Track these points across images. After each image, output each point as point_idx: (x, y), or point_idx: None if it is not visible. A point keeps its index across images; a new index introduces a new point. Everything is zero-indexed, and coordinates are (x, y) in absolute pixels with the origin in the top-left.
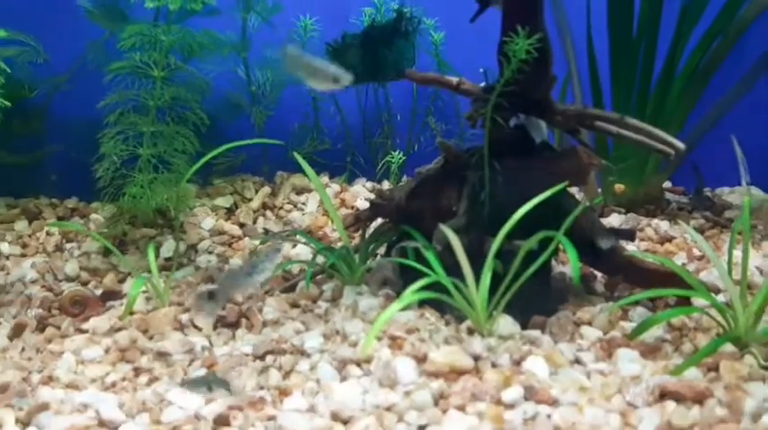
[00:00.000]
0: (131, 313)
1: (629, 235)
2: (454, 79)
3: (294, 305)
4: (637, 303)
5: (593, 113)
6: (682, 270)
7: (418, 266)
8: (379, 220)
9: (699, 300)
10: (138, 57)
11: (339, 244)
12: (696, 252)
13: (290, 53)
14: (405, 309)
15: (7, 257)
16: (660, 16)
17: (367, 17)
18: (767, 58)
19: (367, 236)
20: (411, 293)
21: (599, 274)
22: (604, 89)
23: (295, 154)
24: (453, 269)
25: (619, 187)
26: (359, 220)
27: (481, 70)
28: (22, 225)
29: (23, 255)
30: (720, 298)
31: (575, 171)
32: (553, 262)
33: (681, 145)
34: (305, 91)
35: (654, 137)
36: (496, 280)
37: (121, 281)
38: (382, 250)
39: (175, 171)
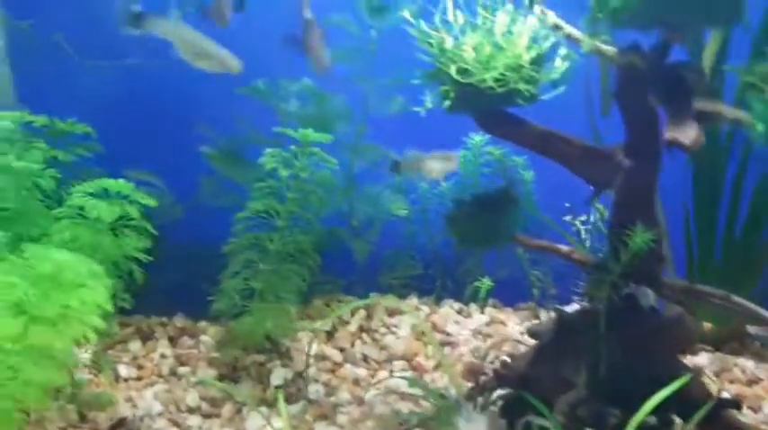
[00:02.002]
0: None
1: (736, 405)
2: (565, 248)
3: None
4: None
5: (700, 290)
6: None
7: None
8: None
9: None
10: (261, 204)
11: (436, 374)
12: None
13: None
14: None
15: (126, 380)
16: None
17: (462, 161)
18: None
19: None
20: None
21: None
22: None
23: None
24: None
25: (706, 325)
26: (484, 389)
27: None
28: (136, 345)
29: (140, 378)
30: None
31: (683, 339)
32: None
33: None
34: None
35: (757, 317)
36: None
37: (238, 411)
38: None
39: (284, 301)
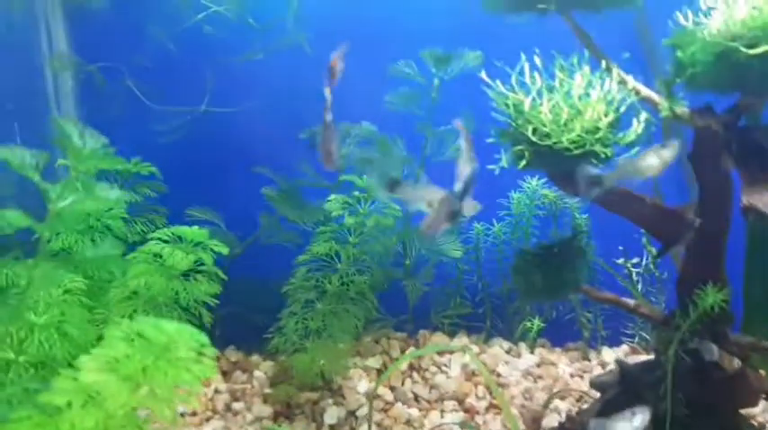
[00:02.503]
0: None
1: None
2: (632, 302)
3: None
4: None
5: (765, 346)
6: None
7: None
8: None
9: None
10: (323, 248)
11: (488, 415)
12: None
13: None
14: None
15: (182, 415)
16: None
17: (516, 203)
18: None
19: None
20: None
21: None
22: None
23: None
24: None
25: (761, 372)
26: None
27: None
28: (197, 404)
29: (194, 414)
30: None
31: (746, 393)
32: None
33: None
34: (449, 261)
35: None
36: None
37: None
38: None
39: (338, 340)
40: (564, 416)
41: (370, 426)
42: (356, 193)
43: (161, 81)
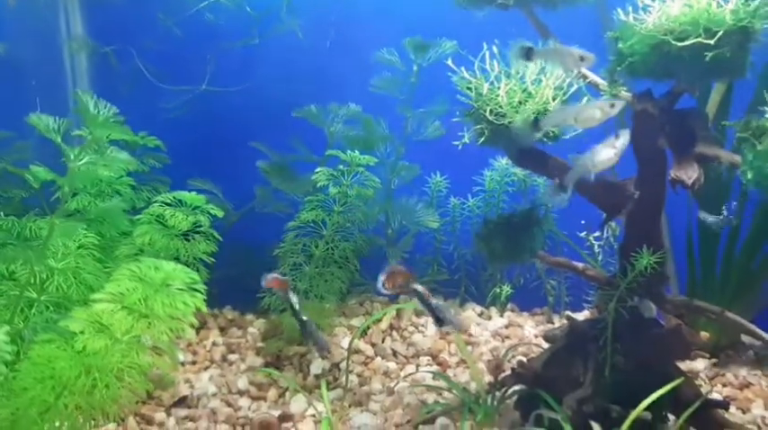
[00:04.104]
0: None
1: (725, 405)
2: (580, 265)
3: None
4: None
5: (697, 305)
6: None
7: None
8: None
9: None
10: (311, 215)
11: (458, 369)
12: None
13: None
14: None
15: (183, 364)
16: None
17: (488, 180)
18: None
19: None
20: None
21: None
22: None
23: None
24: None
25: (704, 334)
26: (503, 385)
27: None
28: (190, 334)
29: (194, 363)
30: None
31: (680, 347)
32: None
33: None
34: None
35: (748, 331)
36: None
37: (281, 395)
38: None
39: (325, 300)
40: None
41: (347, 372)
42: (341, 167)
43: (167, 63)
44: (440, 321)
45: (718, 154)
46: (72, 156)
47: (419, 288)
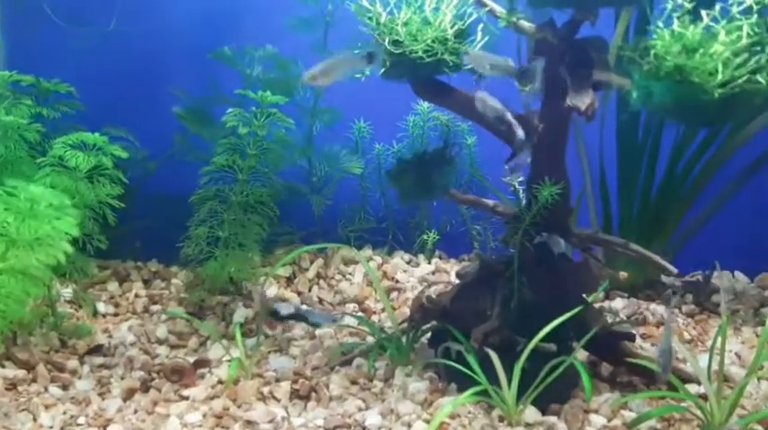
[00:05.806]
0: (220, 382)
1: (630, 337)
2: (491, 202)
3: (353, 382)
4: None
5: (603, 238)
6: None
7: (461, 368)
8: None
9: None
10: (224, 159)
11: (383, 315)
12: (686, 336)
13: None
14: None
15: (104, 316)
16: (662, 129)
17: (412, 125)
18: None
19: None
20: (463, 398)
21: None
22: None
23: None
24: (485, 361)
25: (622, 274)
26: (413, 321)
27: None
28: (113, 286)
29: (116, 314)
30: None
31: (587, 280)
32: None
33: (673, 269)
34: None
35: (651, 262)
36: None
37: (203, 343)
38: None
39: (246, 248)
40: None
41: (261, 317)
42: (253, 108)
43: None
44: None
45: (610, 78)
46: None
47: None
